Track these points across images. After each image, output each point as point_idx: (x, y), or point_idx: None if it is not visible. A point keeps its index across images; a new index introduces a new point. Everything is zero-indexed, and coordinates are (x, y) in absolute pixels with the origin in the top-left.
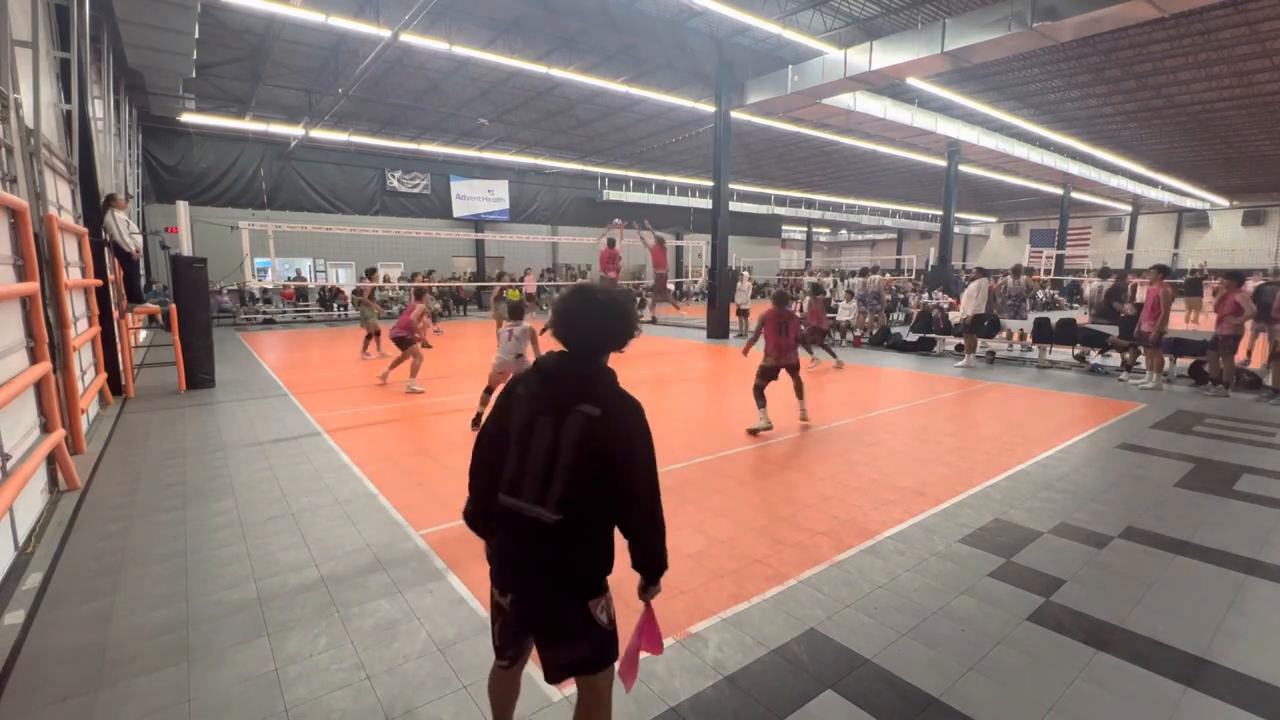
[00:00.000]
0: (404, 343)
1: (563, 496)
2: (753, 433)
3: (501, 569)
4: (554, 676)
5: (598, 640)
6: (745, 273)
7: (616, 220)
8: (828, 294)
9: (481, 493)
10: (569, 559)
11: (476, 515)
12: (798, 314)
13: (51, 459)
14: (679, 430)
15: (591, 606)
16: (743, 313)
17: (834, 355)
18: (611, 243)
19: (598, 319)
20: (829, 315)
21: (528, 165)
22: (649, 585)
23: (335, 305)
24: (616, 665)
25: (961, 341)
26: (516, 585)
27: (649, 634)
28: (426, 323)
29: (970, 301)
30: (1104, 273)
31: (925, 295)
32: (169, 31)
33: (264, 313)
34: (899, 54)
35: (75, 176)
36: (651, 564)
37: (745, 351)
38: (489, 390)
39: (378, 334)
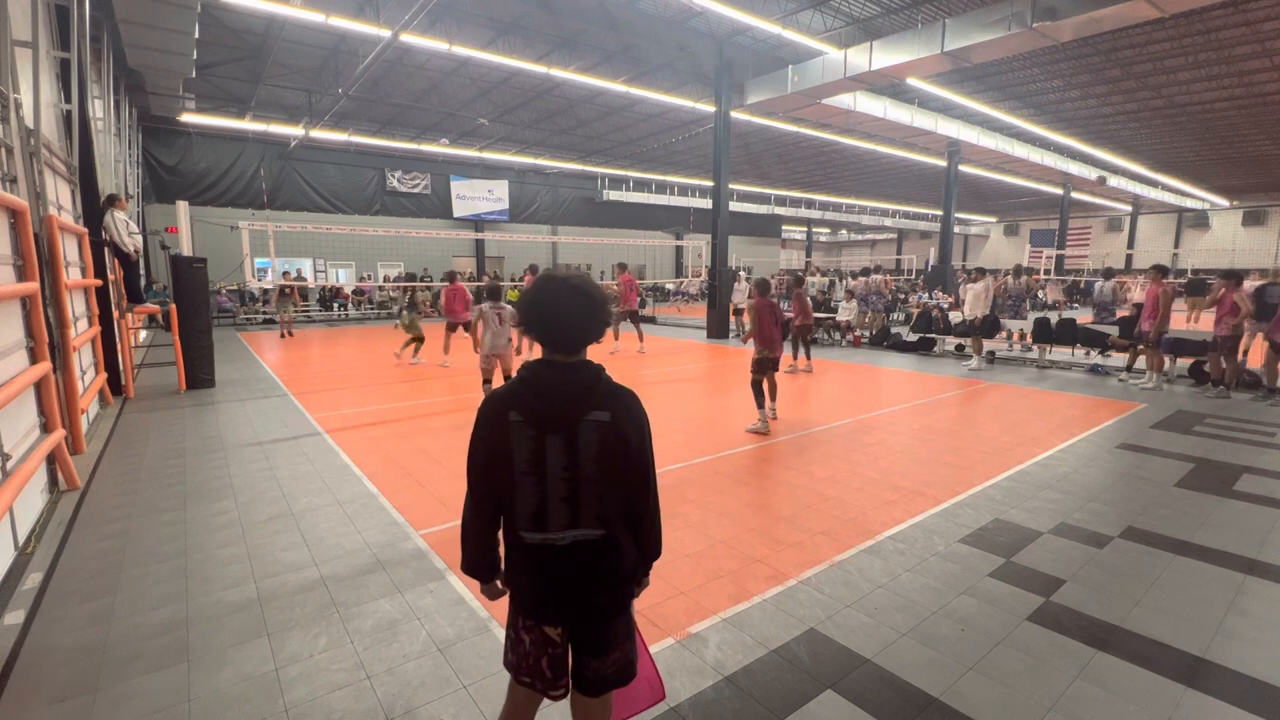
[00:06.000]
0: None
1: (600, 511)
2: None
3: (549, 604)
4: (598, 688)
5: (634, 636)
6: (743, 274)
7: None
8: (816, 293)
9: (493, 542)
10: (621, 561)
11: (490, 566)
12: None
13: (51, 459)
14: (679, 430)
15: (630, 603)
16: (738, 312)
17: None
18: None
19: (581, 310)
20: (829, 314)
21: (528, 165)
22: (646, 574)
23: (335, 305)
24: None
25: (962, 342)
26: (570, 613)
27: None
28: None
29: (978, 302)
30: (1107, 273)
31: (924, 295)
32: (169, 31)
33: (264, 313)
34: (899, 54)
35: (75, 176)
36: (656, 544)
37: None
38: (487, 382)
39: (421, 340)
